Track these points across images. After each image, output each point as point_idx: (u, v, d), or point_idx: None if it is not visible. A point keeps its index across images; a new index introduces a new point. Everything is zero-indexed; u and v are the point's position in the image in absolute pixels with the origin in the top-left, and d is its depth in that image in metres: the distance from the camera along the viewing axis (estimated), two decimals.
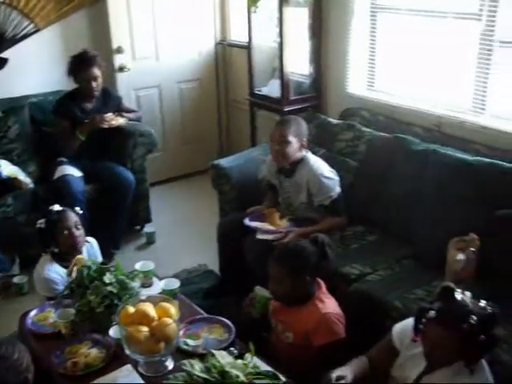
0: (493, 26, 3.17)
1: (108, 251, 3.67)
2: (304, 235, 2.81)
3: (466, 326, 1.84)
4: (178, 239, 4.22)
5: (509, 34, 3.15)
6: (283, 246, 2.64)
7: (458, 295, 1.93)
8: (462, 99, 3.45)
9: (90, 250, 3.05)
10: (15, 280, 3.67)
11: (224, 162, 3.62)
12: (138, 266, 2.75)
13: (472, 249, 2.60)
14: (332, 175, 3.13)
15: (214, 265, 3.69)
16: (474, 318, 1.85)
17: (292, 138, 3.06)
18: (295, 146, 3.08)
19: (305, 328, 2.39)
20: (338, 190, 3.12)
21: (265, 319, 2.56)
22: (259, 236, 3.04)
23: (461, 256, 2.57)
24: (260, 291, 2.56)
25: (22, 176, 3.86)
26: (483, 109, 3.33)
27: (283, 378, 2.05)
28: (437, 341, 1.92)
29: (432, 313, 1.91)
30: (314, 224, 3.12)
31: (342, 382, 2.00)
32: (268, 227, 3.08)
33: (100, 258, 3.05)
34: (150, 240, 4.20)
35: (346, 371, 2.07)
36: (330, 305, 2.43)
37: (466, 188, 2.83)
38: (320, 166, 3.13)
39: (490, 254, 2.62)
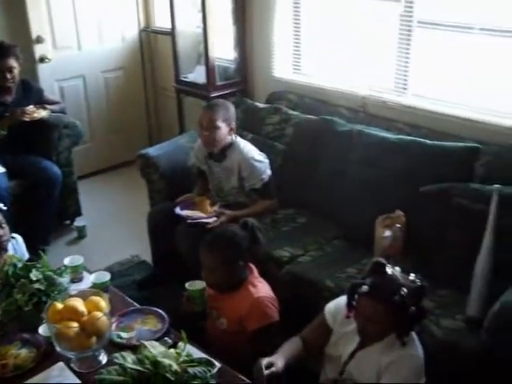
0: (411, 6, 3.24)
1: (37, 248, 3.56)
2: (235, 218, 2.82)
3: (397, 298, 1.89)
4: (109, 232, 4.15)
5: (427, 14, 3.24)
6: (213, 233, 2.62)
7: (389, 270, 1.98)
8: (384, 79, 3.53)
9: (16, 246, 2.94)
10: None
11: (151, 150, 3.56)
12: (66, 261, 2.67)
13: (398, 225, 2.68)
14: (262, 158, 3.14)
15: (147, 255, 3.66)
16: (405, 290, 1.90)
17: (221, 123, 3.05)
18: (224, 131, 3.07)
19: (238, 313, 2.39)
20: (268, 172, 3.13)
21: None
22: (190, 220, 3.02)
23: (388, 233, 2.64)
24: (192, 286, 2.46)
25: None
26: (405, 88, 3.41)
27: (218, 364, 2.05)
28: (370, 315, 1.96)
29: (364, 288, 1.95)
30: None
31: (273, 369, 2.00)
32: (199, 215, 3.06)
33: (26, 255, 2.96)
34: (81, 234, 4.11)
35: (275, 358, 2.07)
36: (262, 289, 2.44)
37: (389, 166, 2.90)
38: (250, 149, 3.14)
39: (416, 229, 2.71)
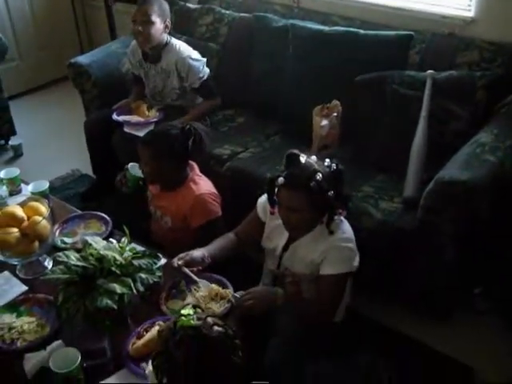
0: None
1: None
2: None
3: (313, 183, 1.90)
4: (47, 148, 4.04)
5: None
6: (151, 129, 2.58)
7: (303, 159, 1.98)
8: None
9: None
10: None
11: (82, 58, 3.42)
12: (1, 174, 2.61)
13: (335, 114, 2.70)
14: (198, 57, 3.07)
15: (87, 169, 3.61)
16: (320, 175, 1.91)
17: (155, 18, 2.95)
18: (159, 27, 2.97)
19: (181, 211, 2.40)
20: (206, 70, 3.08)
21: (136, 195, 2.58)
22: (126, 129, 2.98)
23: (325, 122, 2.66)
24: (133, 169, 2.52)
25: None
26: None
27: (164, 259, 2.07)
28: (290, 205, 1.97)
29: (280, 179, 1.95)
30: (185, 113, 3.07)
31: (187, 258, 2.04)
32: (136, 119, 3.01)
33: None
34: (18, 153, 3.99)
35: (194, 251, 2.09)
36: (203, 185, 2.44)
37: (325, 59, 2.89)
38: (186, 49, 3.07)
39: (353, 118, 2.74)
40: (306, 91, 2.93)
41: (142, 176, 2.50)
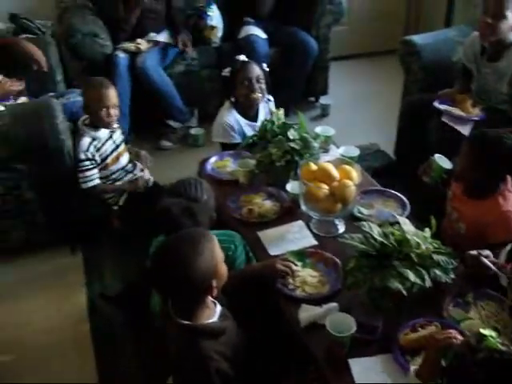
0: None
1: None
2: None
3: None
4: (352, 116, 4.13)
5: None
6: (486, 130, 2.42)
7: None
8: None
9: (268, 107, 3.06)
10: (192, 131, 3.85)
11: (417, 38, 3.37)
12: (318, 129, 2.74)
13: None
14: None
15: (385, 146, 3.61)
16: None
17: (509, 13, 2.76)
18: (510, 24, 2.78)
19: (480, 222, 2.25)
20: None
21: (438, 189, 2.47)
22: (444, 119, 2.90)
23: None
24: (439, 159, 2.42)
25: (219, 29, 3.92)
26: None
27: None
28: None
29: None
30: (507, 119, 2.87)
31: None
32: (458, 113, 2.91)
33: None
34: (325, 112, 4.17)
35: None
36: None
37: None
38: None
39: None
40: None
41: (447, 168, 2.41)
